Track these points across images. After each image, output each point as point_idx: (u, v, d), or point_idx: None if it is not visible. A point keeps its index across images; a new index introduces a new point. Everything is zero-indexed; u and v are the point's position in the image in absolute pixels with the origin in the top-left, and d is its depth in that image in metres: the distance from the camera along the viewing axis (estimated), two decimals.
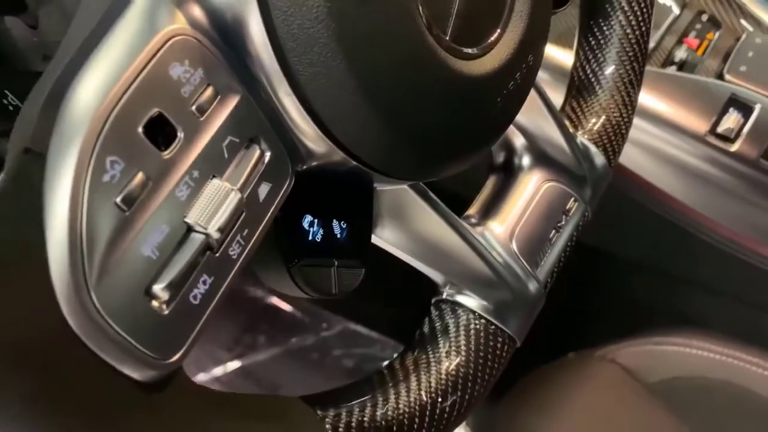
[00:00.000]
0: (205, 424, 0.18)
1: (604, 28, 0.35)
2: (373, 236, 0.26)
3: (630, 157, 0.52)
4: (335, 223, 0.24)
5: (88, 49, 0.17)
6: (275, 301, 0.94)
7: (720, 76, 0.55)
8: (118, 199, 0.16)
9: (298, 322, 0.92)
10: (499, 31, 0.23)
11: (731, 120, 0.51)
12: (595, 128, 0.35)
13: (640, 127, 0.52)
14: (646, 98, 0.53)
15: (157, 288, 0.16)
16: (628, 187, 0.53)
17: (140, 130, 0.16)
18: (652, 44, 0.59)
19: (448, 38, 0.21)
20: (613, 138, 0.35)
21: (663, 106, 0.53)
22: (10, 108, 0.25)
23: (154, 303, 0.17)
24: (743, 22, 0.62)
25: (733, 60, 0.56)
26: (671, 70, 0.57)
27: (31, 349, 0.14)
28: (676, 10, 0.62)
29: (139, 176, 0.16)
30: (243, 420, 0.20)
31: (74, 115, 0.15)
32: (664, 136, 0.52)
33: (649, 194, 0.53)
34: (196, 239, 0.17)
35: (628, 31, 0.34)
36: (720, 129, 0.51)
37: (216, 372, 0.88)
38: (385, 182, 0.24)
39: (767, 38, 0.59)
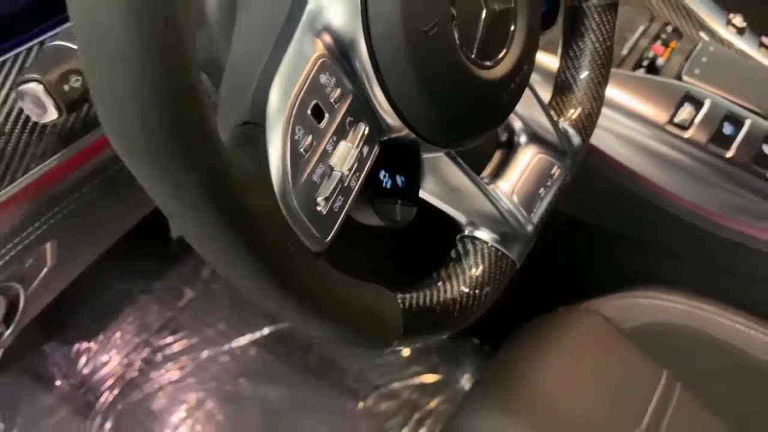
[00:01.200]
0: (333, 282, 0.31)
1: (580, 44, 0.48)
2: (420, 189, 0.39)
3: (604, 140, 0.65)
4: (398, 177, 0.37)
5: (273, 65, 0.29)
6: None
7: (679, 77, 0.68)
8: (302, 149, 0.28)
9: None
10: (505, 50, 0.36)
11: (685, 112, 0.64)
12: (573, 117, 0.47)
13: (612, 118, 0.65)
14: (619, 94, 0.66)
15: (319, 198, 0.29)
16: (604, 166, 0.66)
17: (309, 112, 0.29)
18: (626, 50, 0.72)
19: (473, 56, 0.34)
20: (586, 124, 0.48)
21: (632, 100, 0.66)
22: None
23: (318, 207, 0.29)
24: (701, 33, 0.75)
25: (690, 64, 0.69)
26: (640, 71, 0.70)
27: (259, 213, 0.26)
28: (645, 23, 0.75)
29: (309, 138, 0.29)
30: (353, 287, 0.32)
31: (278, 103, 0.28)
32: (632, 125, 0.65)
33: (621, 172, 0.66)
34: (336, 174, 0.30)
35: (597, 46, 0.47)
36: (676, 119, 0.64)
37: (248, 339, 1.01)
38: (430, 150, 0.37)
39: (719, 47, 0.72)
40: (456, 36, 0.33)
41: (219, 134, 0.24)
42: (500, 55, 0.36)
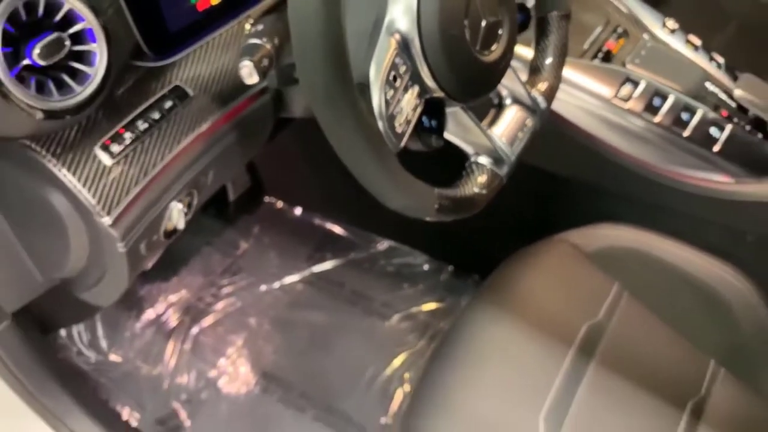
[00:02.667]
0: (402, 170, 0.56)
1: (546, 41, 0.73)
2: (445, 129, 0.64)
3: (567, 109, 0.90)
4: (433, 120, 0.62)
5: (371, 53, 0.54)
6: (337, 229, 1.33)
7: (623, 65, 0.94)
8: (388, 98, 0.53)
9: (354, 243, 1.30)
10: (496, 45, 0.61)
11: (626, 90, 0.90)
12: (541, 88, 0.72)
13: (573, 93, 0.90)
14: (579, 76, 0.91)
15: (396, 124, 0.54)
16: (566, 128, 0.92)
17: (390, 78, 0.54)
18: (587, 45, 0.98)
19: (477, 48, 0.59)
20: (550, 93, 0.73)
21: (588, 81, 0.91)
22: None
23: (395, 129, 0.54)
24: (643, 34, 1.01)
25: (632, 56, 0.94)
26: (596, 61, 0.95)
27: (370, 125, 0.51)
28: (602, 25, 1.00)
29: (391, 92, 0.53)
30: (412, 177, 0.57)
31: (375, 74, 0.53)
32: (588, 98, 0.90)
33: (579, 134, 0.91)
34: (404, 112, 0.55)
35: (557, 43, 0.72)
36: (619, 95, 0.90)
37: (295, 278, 1.26)
38: (452, 105, 0.62)
39: (655, 43, 0.98)
40: (468, 37, 0.58)
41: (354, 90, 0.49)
42: (493, 48, 0.61)
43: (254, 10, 0.67)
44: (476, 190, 0.65)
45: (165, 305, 1.20)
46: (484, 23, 0.59)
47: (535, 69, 0.73)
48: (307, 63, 0.46)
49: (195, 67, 0.64)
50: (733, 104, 0.93)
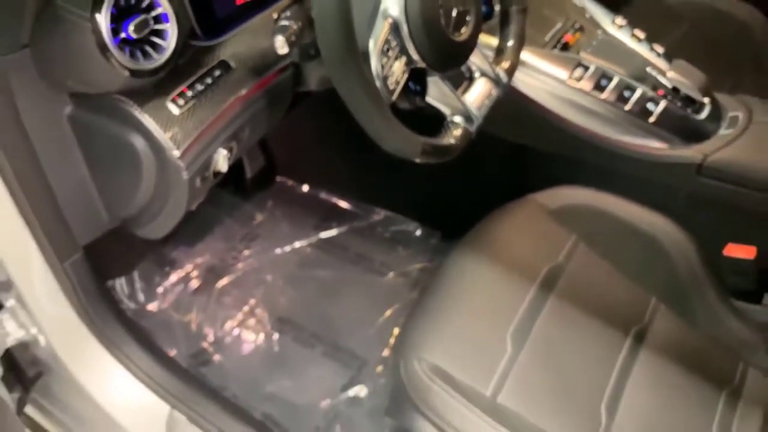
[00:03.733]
0: (393, 118, 0.75)
1: (507, 30, 0.93)
2: (427, 93, 0.84)
3: (531, 88, 1.10)
4: (418, 85, 0.82)
5: (369, 31, 0.74)
6: (341, 203, 1.52)
7: (578, 53, 1.14)
8: (383, 64, 0.72)
9: (356, 214, 1.49)
10: (465, 28, 0.81)
11: (578, 72, 1.10)
12: (504, 66, 0.92)
13: (536, 76, 1.10)
14: (540, 62, 1.11)
15: (389, 82, 0.73)
16: (529, 105, 1.11)
17: (385, 49, 0.73)
18: (548, 38, 1.18)
19: (451, 30, 0.79)
20: (511, 70, 0.92)
21: (547, 65, 1.11)
22: None
23: (389, 86, 0.73)
24: (598, 31, 1.21)
25: (585, 46, 1.15)
26: (556, 50, 1.16)
27: (369, 81, 0.70)
28: (562, 21, 1.21)
29: (385, 59, 0.73)
30: (403, 126, 0.77)
31: (373, 46, 0.72)
32: (548, 80, 1.10)
33: (539, 109, 1.11)
34: (395, 75, 0.74)
35: (516, 31, 0.92)
36: (572, 76, 1.10)
37: (304, 243, 1.45)
38: (433, 74, 0.82)
39: (605, 36, 1.18)
40: (443, 21, 0.77)
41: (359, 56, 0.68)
42: (462, 31, 0.80)
43: (280, 3, 0.87)
44: (452, 141, 0.84)
45: (192, 266, 1.40)
46: (455, 11, 0.78)
47: (499, 51, 0.93)
48: (326, 36, 0.66)
49: (236, 46, 0.84)
50: (669, 85, 1.12)
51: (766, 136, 1.09)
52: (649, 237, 1.07)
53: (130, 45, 0.70)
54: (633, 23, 1.22)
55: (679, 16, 1.61)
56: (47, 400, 1.19)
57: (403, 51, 0.76)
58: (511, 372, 0.92)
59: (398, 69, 0.75)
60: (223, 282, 1.37)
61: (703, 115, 1.12)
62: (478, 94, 0.89)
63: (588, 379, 0.93)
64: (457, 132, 0.85)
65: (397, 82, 0.75)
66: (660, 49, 1.18)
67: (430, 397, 0.89)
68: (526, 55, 1.12)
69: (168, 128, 0.75)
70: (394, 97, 0.75)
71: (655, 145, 1.11)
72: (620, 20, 1.21)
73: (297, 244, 1.43)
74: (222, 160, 0.84)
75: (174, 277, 1.37)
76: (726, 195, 1.09)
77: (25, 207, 0.82)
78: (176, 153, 0.75)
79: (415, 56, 0.77)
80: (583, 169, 1.18)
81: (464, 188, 1.37)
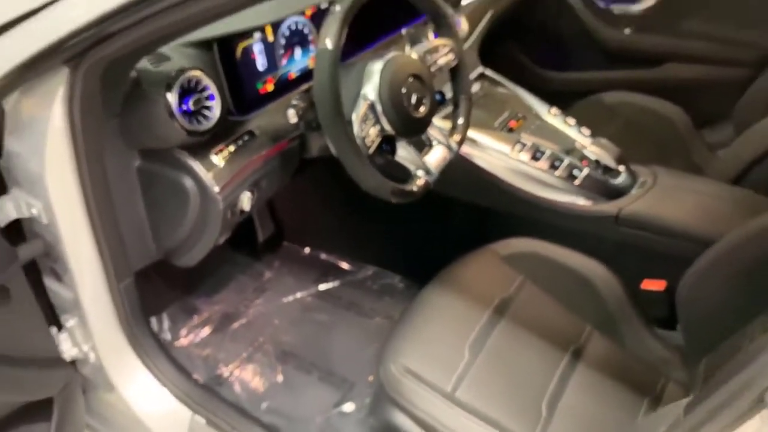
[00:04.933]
0: (371, 168, 1.06)
1: (458, 112, 1.26)
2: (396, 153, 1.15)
3: (479, 157, 1.42)
4: (388, 147, 1.14)
5: (353, 107, 1.06)
6: (337, 261, 1.81)
7: (519, 134, 1.47)
8: (362, 129, 1.04)
9: (349, 270, 1.78)
10: (423, 107, 1.14)
11: (518, 147, 1.43)
12: (456, 139, 1.23)
13: (486, 151, 1.43)
14: (488, 140, 1.44)
15: (367, 142, 1.04)
16: (476, 170, 1.42)
17: (363, 120, 1.06)
18: (497, 123, 1.51)
19: (412, 108, 1.12)
20: (460, 142, 1.24)
21: (493, 142, 1.44)
22: None
23: (367, 147, 1.05)
24: (537, 119, 1.55)
25: (526, 129, 1.48)
26: (503, 132, 1.49)
27: (351, 140, 1.02)
28: (509, 111, 1.55)
29: (364, 126, 1.05)
30: (377, 173, 1.07)
31: (356, 117, 1.04)
32: (495, 154, 1.42)
33: (485, 174, 1.42)
34: (370, 139, 1.06)
35: (464, 115, 1.25)
36: (514, 150, 1.42)
37: (303, 294, 1.72)
38: (400, 140, 1.13)
39: (541, 122, 1.52)
40: (405, 103, 1.10)
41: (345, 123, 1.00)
42: (421, 109, 1.12)
43: (293, 92, 1.21)
44: (414, 189, 1.14)
45: (211, 312, 1.66)
46: (414, 97, 1.11)
47: (451, 127, 1.26)
48: (323, 111, 0.98)
49: (259, 120, 1.18)
50: (592, 157, 1.45)
51: (668, 194, 1.40)
52: (582, 277, 1.32)
53: (188, 114, 1.03)
54: (579, 119, 1.55)
55: (616, 113, 1.97)
56: (88, 415, 1.42)
57: (377, 122, 1.07)
58: (468, 374, 1.16)
59: (373, 133, 1.07)
60: (236, 324, 1.63)
61: (619, 179, 1.43)
62: (435, 157, 1.20)
63: (531, 382, 1.15)
64: (419, 182, 1.16)
65: (373, 142, 1.07)
66: (586, 132, 1.52)
67: (402, 390, 1.13)
68: (479, 135, 1.46)
69: (210, 172, 1.06)
70: (371, 151, 1.06)
71: (581, 203, 1.42)
72: (554, 110, 1.56)
73: (299, 295, 1.70)
74: (246, 201, 1.15)
75: (195, 320, 1.63)
76: (639, 240, 1.38)
77: (99, 235, 1.11)
78: (216, 189, 1.06)
79: (387, 126, 1.08)
80: (527, 224, 1.47)
81: (437, 246, 1.66)
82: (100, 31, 0.82)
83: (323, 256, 1.83)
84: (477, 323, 1.24)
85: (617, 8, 2.08)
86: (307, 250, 1.85)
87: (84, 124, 0.98)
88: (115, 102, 1.02)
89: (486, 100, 1.58)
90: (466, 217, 1.58)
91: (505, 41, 2.11)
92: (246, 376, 1.49)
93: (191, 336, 1.60)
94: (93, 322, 1.22)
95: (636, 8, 2.05)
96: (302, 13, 1.25)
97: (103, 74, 0.93)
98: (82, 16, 0.81)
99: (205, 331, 1.61)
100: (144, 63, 1.02)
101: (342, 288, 1.73)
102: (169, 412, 1.30)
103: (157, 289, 1.58)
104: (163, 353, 1.32)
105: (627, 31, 2.09)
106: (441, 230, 1.61)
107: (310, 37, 1.28)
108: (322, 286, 1.73)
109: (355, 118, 1.04)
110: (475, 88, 1.62)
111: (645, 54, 2.08)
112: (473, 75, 1.64)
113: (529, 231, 1.42)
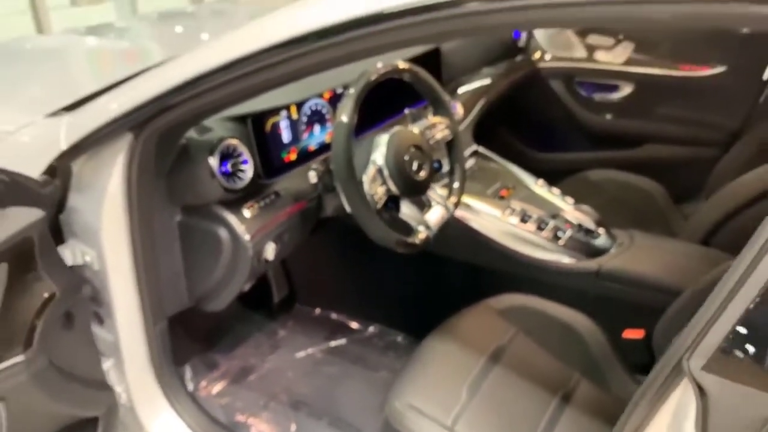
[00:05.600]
0: (379, 221, 1.24)
1: (453, 178, 1.46)
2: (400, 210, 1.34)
3: (474, 221, 1.60)
4: (393, 204, 1.33)
5: (365, 168, 1.26)
6: (345, 321, 1.96)
7: (510, 202, 1.66)
8: (371, 189, 1.23)
9: (357, 329, 1.92)
10: (423, 172, 1.34)
11: (508, 211, 1.61)
12: (452, 201, 1.43)
13: (481, 215, 1.61)
14: (483, 207, 1.63)
15: (375, 199, 1.23)
16: (471, 232, 1.60)
17: (372, 181, 1.25)
18: (490, 192, 1.71)
19: (413, 173, 1.31)
20: (455, 203, 1.42)
21: (488, 208, 1.63)
22: None
23: (376, 204, 1.23)
24: (525, 189, 1.75)
25: (515, 197, 1.68)
26: (495, 200, 1.68)
27: (363, 197, 1.20)
28: (500, 182, 1.75)
29: (373, 186, 1.24)
30: (385, 226, 1.26)
31: (367, 178, 1.24)
32: (488, 218, 1.61)
33: (477, 235, 1.60)
34: (378, 197, 1.25)
35: (459, 180, 1.45)
36: (504, 214, 1.61)
37: (314, 350, 1.86)
38: (404, 199, 1.32)
39: (529, 192, 1.72)
40: (407, 168, 1.29)
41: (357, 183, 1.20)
42: (421, 174, 1.32)
43: (313, 161, 1.41)
44: (416, 241, 1.32)
45: (228, 366, 1.79)
46: (416, 164, 1.31)
47: (448, 191, 1.45)
48: (339, 173, 1.17)
49: (284, 182, 1.37)
50: (574, 221, 1.63)
51: (643, 252, 1.57)
52: (568, 328, 1.47)
53: (226, 175, 1.23)
54: (566, 194, 1.75)
55: (601, 189, 2.17)
56: None
57: (384, 183, 1.27)
58: (465, 412, 1.29)
59: (381, 192, 1.26)
60: (252, 377, 1.76)
61: (599, 240, 1.61)
62: (435, 216, 1.38)
63: (524, 422, 1.28)
64: (421, 236, 1.33)
65: (380, 199, 1.25)
66: (570, 200, 1.71)
67: (406, 422, 1.26)
68: (473, 201, 1.65)
69: (242, 224, 1.25)
70: (378, 206, 1.25)
71: (565, 260, 1.59)
72: (541, 182, 1.75)
73: (311, 350, 1.84)
74: (270, 251, 1.32)
75: (215, 373, 1.76)
76: (618, 293, 1.53)
77: (141, 281, 1.28)
78: (246, 237, 1.24)
79: (392, 187, 1.27)
80: (519, 280, 1.63)
81: (437, 304, 1.81)
82: (162, 103, 1.03)
83: (333, 315, 1.97)
84: (474, 368, 1.38)
85: (598, 96, 2.33)
86: (318, 310, 2.00)
87: (139, 184, 1.18)
88: (165, 165, 1.22)
89: (479, 173, 1.78)
90: (464, 276, 1.74)
91: (498, 126, 2.35)
92: (262, 422, 1.60)
93: (211, 387, 1.72)
94: (128, 363, 1.36)
95: (614, 96, 2.30)
96: (321, 96, 1.48)
97: (159, 140, 1.13)
98: (152, 90, 1.02)
99: (224, 382, 1.74)
100: (191, 132, 1.23)
101: (350, 345, 1.86)
102: None
103: (181, 344, 1.73)
104: (187, 395, 1.45)
105: (608, 116, 2.33)
106: (440, 289, 1.77)
107: (328, 117, 1.50)
108: (332, 343, 1.87)
109: (366, 179, 1.23)
110: (470, 163, 1.82)
111: (625, 136, 2.31)
112: (468, 152, 1.85)
113: (520, 287, 1.58)
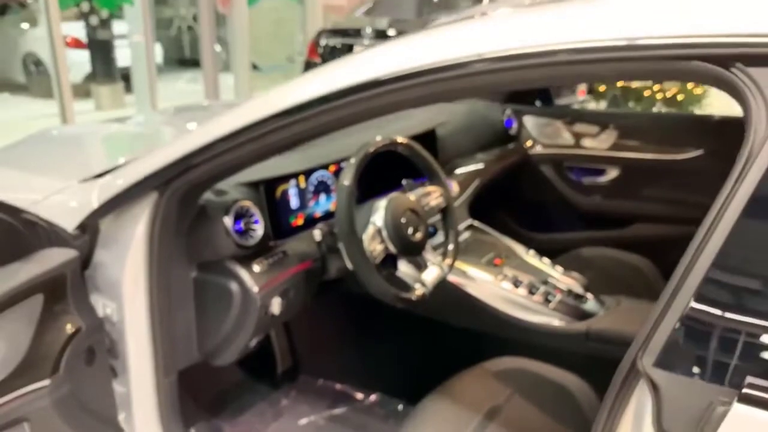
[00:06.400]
0: (379, 277, 1.35)
1: (447, 242, 1.57)
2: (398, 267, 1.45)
3: (474, 289, 1.70)
4: (390, 261, 1.44)
5: (365, 227, 1.39)
6: (346, 390, 2.01)
7: (502, 268, 1.77)
8: (370, 245, 1.35)
9: (357, 398, 1.97)
10: (419, 233, 1.46)
11: (500, 277, 1.71)
12: (447, 263, 1.54)
13: (458, 282, 1.71)
14: (478, 273, 1.74)
15: (374, 255, 1.35)
16: (465, 296, 1.70)
17: (371, 238, 1.37)
18: (484, 260, 1.82)
19: (410, 234, 1.43)
20: (450, 265, 1.54)
21: (482, 274, 1.73)
22: None
23: (374, 259, 1.35)
24: (517, 258, 1.86)
25: (507, 265, 1.79)
26: (489, 266, 1.79)
27: (364, 254, 1.32)
28: (494, 252, 1.86)
29: (373, 243, 1.36)
30: (385, 283, 1.36)
31: (366, 236, 1.36)
32: (482, 283, 1.71)
33: (472, 299, 1.69)
34: (377, 254, 1.36)
35: (453, 243, 1.57)
36: (497, 279, 1.71)
37: (317, 417, 1.90)
38: (401, 258, 1.44)
39: (521, 261, 1.83)
40: (404, 230, 1.41)
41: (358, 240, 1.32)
42: (417, 235, 1.44)
43: (320, 224, 1.54)
44: (413, 297, 1.42)
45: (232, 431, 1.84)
46: (411, 227, 1.43)
47: (443, 253, 1.56)
48: (342, 233, 1.30)
49: (291, 243, 1.49)
50: (564, 288, 1.73)
51: (630, 314, 1.65)
52: (561, 388, 1.53)
53: (239, 233, 1.36)
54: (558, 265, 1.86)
55: (593, 265, 2.27)
56: None
57: (383, 242, 1.38)
58: None
59: (379, 249, 1.37)
60: None
61: (588, 304, 1.70)
62: (431, 275, 1.48)
63: None
64: (417, 293, 1.43)
65: (378, 255, 1.37)
66: (559, 269, 1.82)
67: None
68: (468, 268, 1.75)
69: (251, 277, 1.36)
70: (377, 262, 1.36)
71: (555, 323, 1.67)
72: (532, 252, 1.87)
73: (313, 418, 1.88)
74: (276, 305, 1.42)
75: None
76: (607, 352, 1.60)
77: (156, 333, 1.37)
78: (255, 289, 1.35)
79: (390, 246, 1.39)
80: (512, 343, 1.71)
81: (436, 371, 1.87)
82: (186, 163, 1.17)
83: (335, 385, 2.03)
84: (468, 427, 1.43)
85: (587, 180, 2.49)
86: (320, 381, 2.06)
87: (160, 240, 1.30)
88: (184, 224, 1.35)
89: (474, 244, 1.90)
90: (461, 342, 1.82)
91: (493, 206, 2.50)
92: None
93: None
94: (137, 416, 1.43)
95: (602, 179, 2.46)
96: (327, 169, 1.63)
97: (181, 199, 1.27)
98: (177, 152, 1.17)
99: None
100: (209, 195, 1.37)
101: (351, 413, 1.91)
102: None
103: (187, 409, 1.78)
104: None
105: (597, 198, 2.48)
106: (439, 356, 1.84)
107: (332, 187, 1.65)
108: (334, 411, 1.91)
109: (365, 237, 1.35)
110: (466, 235, 1.95)
111: (615, 216, 2.44)
112: (463, 225, 1.98)
113: (515, 350, 1.65)
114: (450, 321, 1.79)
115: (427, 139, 1.96)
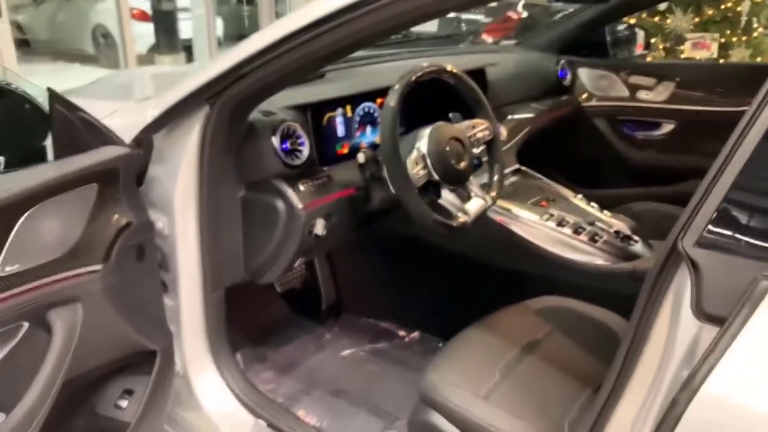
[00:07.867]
0: (420, 201, 1.36)
1: (492, 174, 1.57)
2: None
3: (521, 228, 1.69)
4: (433, 188, 1.44)
5: (411, 150, 1.40)
6: (388, 326, 2.04)
7: (549, 209, 1.75)
8: (412, 168, 1.36)
9: (399, 334, 2.00)
10: (463, 162, 1.46)
11: (546, 216, 1.70)
12: (492, 194, 1.53)
13: (522, 220, 1.70)
14: (524, 213, 1.72)
15: (416, 180, 1.36)
16: (511, 235, 1.69)
17: (414, 161, 1.38)
18: (531, 202, 1.80)
19: (454, 162, 1.43)
20: (495, 197, 1.53)
21: (529, 214, 1.72)
22: None
23: (416, 182, 1.36)
24: (564, 200, 1.84)
25: (555, 206, 1.77)
26: (536, 207, 1.77)
27: (407, 177, 1.33)
28: (540, 194, 1.84)
29: (415, 166, 1.37)
30: (425, 206, 1.37)
31: (411, 159, 1.37)
32: (528, 222, 1.70)
33: (518, 239, 1.68)
34: (421, 176, 1.37)
35: (499, 176, 1.56)
36: (543, 218, 1.69)
37: (358, 350, 1.94)
38: (444, 186, 1.44)
39: (568, 203, 1.80)
40: (448, 157, 1.41)
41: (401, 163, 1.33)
42: (461, 164, 1.44)
43: (365, 148, 1.55)
44: (454, 224, 1.42)
45: (275, 359, 1.89)
46: (455, 154, 1.43)
47: (488, 185, 1.55)
48: (385, 152, 1.31)
49: (336, 170, 1.52)
50: (611, 229, 1.70)
51: None
52: (603, 326, 1.52)
53: (286, 152, 1.39)
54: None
55: (641, 216, 2.20)
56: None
57: (426, 167, 1.39)
58: (498, 388, 1.34)
59: (422, 174, 1.38)
60: (297, 369, 1.85)
61: (636, 246, 1.67)
62: (474, 206, 1.48)
63: (555, 405, 1.31)
64: (459, 220, 1.44)
65: (421, 179, 1.37)
66: (608, 213, 1.78)
67: (439, 391, 1.31)
68: (513, 207, 1.74)
69: (296, 195, 1.39)
70: (419, 185, 1.36)
71: (599, 262, 1.65)
72: (580, 196, 1.84)
73: (354, 350, 1.93)
74: (320, 226, 1.45)
75: (263, 365, 1.87)
76: None
77: (205, 249, 1.42)
78: (300, 206, 1.38)
79: (434, 173, 1.40)
80: (554, 284, 1.69)
81: (477, 312, 1.88)
82: (236, 73, 1.20)
83: (378, 323, 2.06)
84: (508, 355, 1.43)
85: (641, 134, 2.43)
86: (363, 319, 2.10)
87: (211, 154, 1.34)
88: (234, 140, 1.38)
89: (521, 188, 1.88)
90: (502, 281, 1.81)
91: (541, 159, 2.46)
92: (302, 405, 1.68)
93: (257, 376, 1.82)
94: (186, 330, 1.49)
95: (656, 133, 2.39)
96: (374, 101, 1.65)
97: (231, 113, 1.30)
98: (226, 63, 1.20)
99: (270, 372, 1.84)
100: (257, 114, 1.40)
101: (392, 348, 1.94)
102: (234, 415, 1.51)
103: (235, 338, 1.85)
104: (236, 366, 1.56)
105: (651, 152, 2.41)
106: (480, 296, 1.84)
107: (378, 120, 1.66)
108: (375, 345, 1.95)
109: (409, 161, 1.36)
110: (513, 179, 1.93)
111: (668, 171, 2.37)
112: (510, 169, 1.97)
113: (556, 290, 1.64)
114: (493, 260, 1.78)
115: (477, 76, 1.94)
